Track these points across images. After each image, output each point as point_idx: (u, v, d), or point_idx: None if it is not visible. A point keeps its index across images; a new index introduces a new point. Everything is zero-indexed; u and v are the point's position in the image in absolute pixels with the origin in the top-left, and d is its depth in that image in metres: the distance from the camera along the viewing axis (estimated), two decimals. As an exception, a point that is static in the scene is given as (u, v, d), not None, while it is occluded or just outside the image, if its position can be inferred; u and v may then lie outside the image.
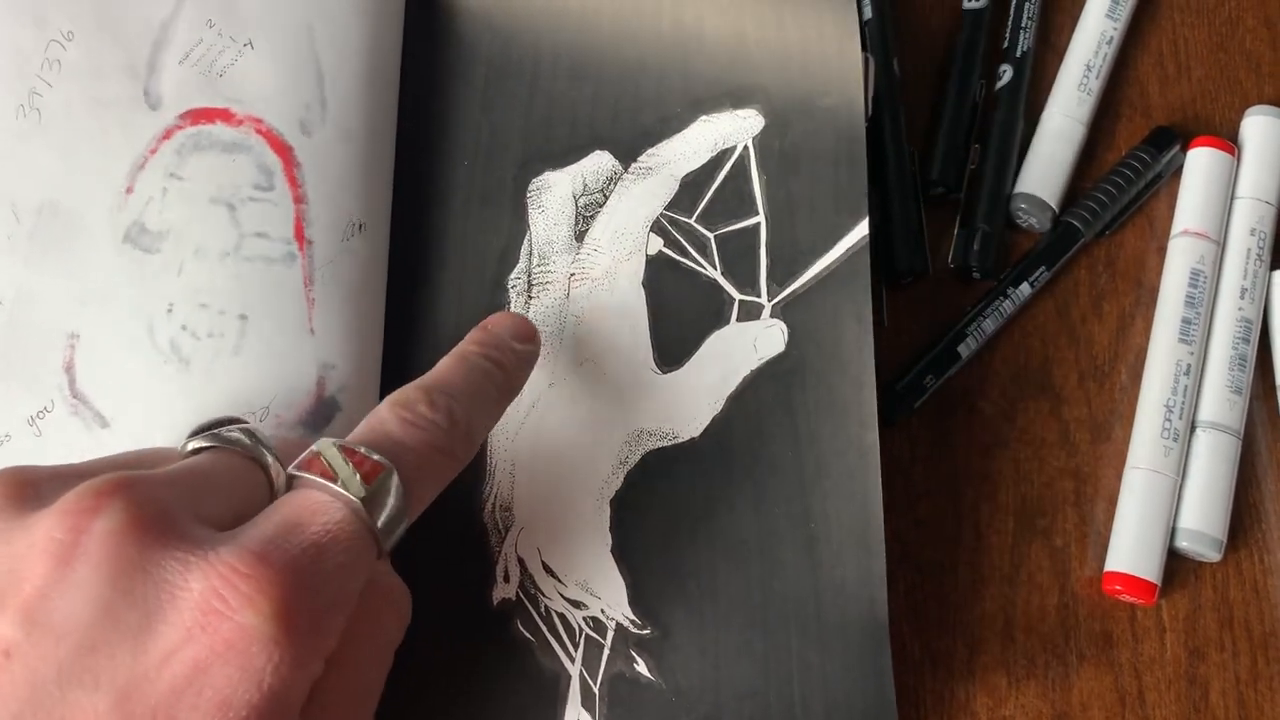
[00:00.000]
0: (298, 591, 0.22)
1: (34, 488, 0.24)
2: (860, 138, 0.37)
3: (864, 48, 0.42)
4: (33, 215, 0.34)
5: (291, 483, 0.26)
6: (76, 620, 0.22)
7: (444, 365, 0.31)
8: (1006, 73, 0.43)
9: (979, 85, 0.43)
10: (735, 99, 0.38)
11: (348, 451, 0.26)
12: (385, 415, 0.28)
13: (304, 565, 0.23)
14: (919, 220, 0.41)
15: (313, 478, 0.25)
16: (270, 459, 0.27)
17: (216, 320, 0.34)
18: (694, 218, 0.37)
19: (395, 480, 0.26)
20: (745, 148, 0.37)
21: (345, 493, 0.25)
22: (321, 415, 0.33)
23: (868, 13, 0.43)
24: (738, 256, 0.37)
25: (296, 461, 0.26)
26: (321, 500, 0.25)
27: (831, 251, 0.36)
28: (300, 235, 0.35)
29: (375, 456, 0.26)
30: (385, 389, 0.36)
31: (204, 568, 0.22)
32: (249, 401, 0.33)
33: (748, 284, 0.36)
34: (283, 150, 0.35)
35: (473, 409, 0.30)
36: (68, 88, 0.35)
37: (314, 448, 0.26)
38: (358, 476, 0.25)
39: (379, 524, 0.25)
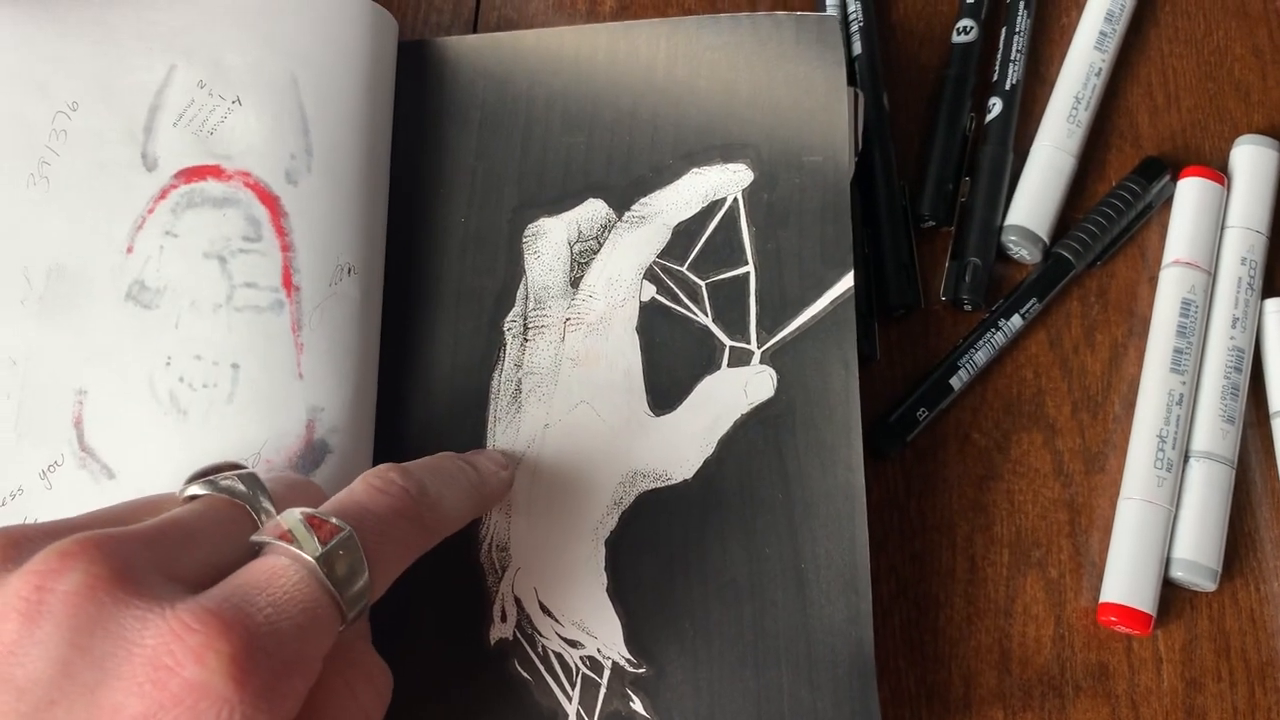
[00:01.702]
0: (251, 649, 0.23)
1: (18, 549, 0.25)
2: (845, 195, 0.38)
3: (854, 83, 0.43)
4: (43, 278, 0.35)
5: (260, 548, 0.26)
6: (38, 677, 0.22)
7: (420, 459, 0.32)
8: (996, 105, 0.43)
9: (969, 118, 0.43)
10: (726, 153, 0.39)
11: (309, 518, 0.26)
12: (355, 485, 0.29)
13: (258, 624, 0.23)
14: (910, 253, 0.42)
15: (275, 542, 0.26)
16: (265, 505, 0.28)
17: (210, 371, 0.34)
18: (686, 266, 0.38)
19: (353, 542, 0.26)
20: (735, 200, 0.38)
21: (302, 554, 0.25)
22: (311, 458, 0.34)
23: (857, 48, 0.44)
24: (728, 304, 0.37)
25: (263, 529, 0.27)
26: (281, 564, 0.25)
27: (818, 302, 0.37)
28: (288, 282, 0.35)
29: (333, 520, 0.26)
30: (380, 430, 0.37)
31: (159, 624, 0.23)
32: (242, 447, 0.34)
33: (738, 331, 0.37)
34: (269, 201, 0.36)
35: (444, 487, 0.31)
36: (73, 155, 0.36)
37: (280, 517, 0.27)
38: (314, 538, 0.26)
39: (338, 585, 0.25)
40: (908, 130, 0.44)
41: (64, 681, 0.22)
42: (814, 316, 0.37)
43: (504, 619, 0.35)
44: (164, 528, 0.26)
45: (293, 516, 0.26)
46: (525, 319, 0.38)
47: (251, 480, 0.28)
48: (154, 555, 0.25)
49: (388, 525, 0.28)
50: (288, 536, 0.26)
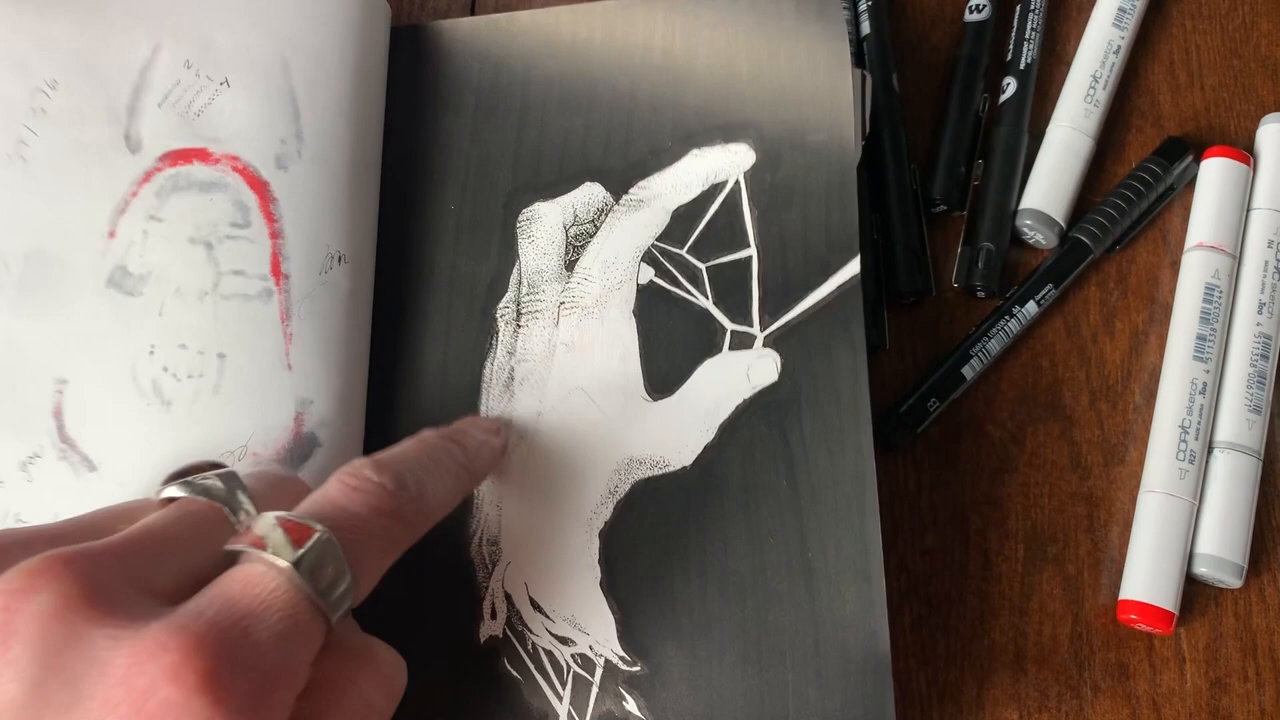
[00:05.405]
0: (226, 664, 0.22)
1: None
2: (851, 175, 0.36)
3: (861, 64, 0.42)
4: (20, 263, 0.34)
5: (237, 556, 0.25)
6: (11, 698, 0.22)
7: (399, 444, 0.31)
8: (1010, 85, 0.42)
9: (982, 99, 0.42)
10: (726, 133, 0.37)
11: (283, 522, 0.25)
12: (329, 484, 0.28)
13: (234, 638, 0.22)
14: (921, 239, 0.40)
15: (249, 550, 0.25)
16: (244, 505, 0.27)
17: (196, 360, 0.33)
18: (685, 249, 0.36)
19: (330, 542, 0.25)
20: (737, 182, 0.37)
21: (278, 560, 0.24)
22: (299, 452, 0.33)
23: (865, 28, 0.43)
24: (730, 288, 0.36)
25: (237, 536, 0.26)
26: (256, 571, 0.24)
27: (823, 287, 0.35)
28: (277, 271, 0.34)
29: (309, 523, 0.25)
30: (370, 422, 0.36)
31: (131, 643, 0.22)
32: (228, 440, 0.33)
33: (740, 314, 0.36)
34: (259, 186, 0.35)
35: (425, 476, 0.29)
36: (52, 135, 0.35)
37: (253, 522, 0.26)
38: (288, 543, 0.24)
39: (318, 589, 0.24)
40: (919, 112, 0.42)
41: (38, 703, 0.22)
42: (819, 302, 0.35)
43: (494, 615, 0.34)
44: (137, 538, 0.25)
45: (267, 521, 0.25)
46: (518, 305, 0.37)
47: (230, 479, 0.28)
48: (127, 569, 0.24)
49: (366, 523, 0.27)
50: (261, 543, 0.24)
